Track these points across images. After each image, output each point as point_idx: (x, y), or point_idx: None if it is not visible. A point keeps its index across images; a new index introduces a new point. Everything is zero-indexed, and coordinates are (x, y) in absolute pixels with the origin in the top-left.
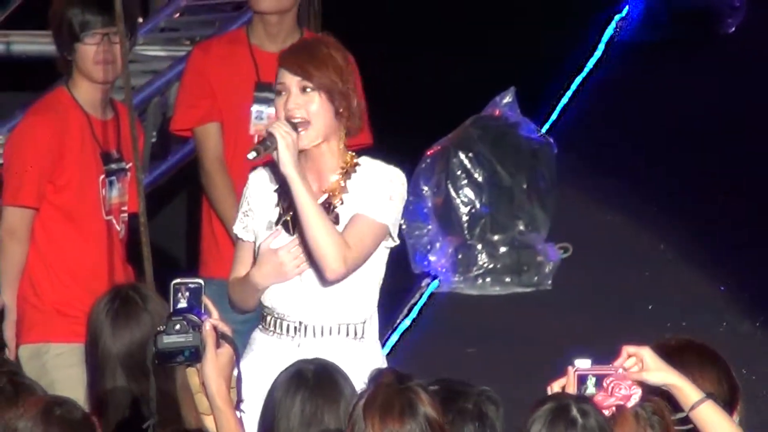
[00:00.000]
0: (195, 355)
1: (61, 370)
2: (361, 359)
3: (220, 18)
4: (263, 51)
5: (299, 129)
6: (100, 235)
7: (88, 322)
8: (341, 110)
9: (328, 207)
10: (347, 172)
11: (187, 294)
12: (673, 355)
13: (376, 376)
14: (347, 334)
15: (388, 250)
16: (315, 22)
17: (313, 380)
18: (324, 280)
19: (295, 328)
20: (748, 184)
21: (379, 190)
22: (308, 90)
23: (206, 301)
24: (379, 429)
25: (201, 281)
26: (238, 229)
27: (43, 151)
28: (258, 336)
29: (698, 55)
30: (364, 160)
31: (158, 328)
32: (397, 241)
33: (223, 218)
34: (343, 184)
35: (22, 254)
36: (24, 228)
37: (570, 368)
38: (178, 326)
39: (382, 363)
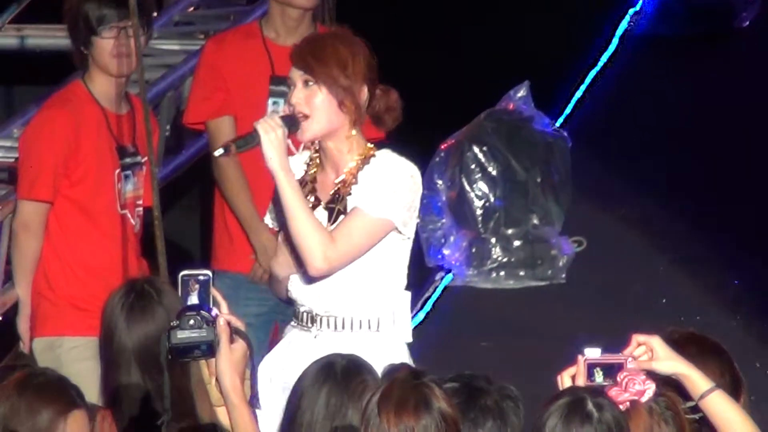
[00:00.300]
0: (209, 350)
1: (75, 363)
2: (377, 352)
3: (235, 11)
4: (277, 44)
5: (300, 122)
6: (115, 229)
7: (102, 315)
8: (345, 103)
9: (338, 198)
10: (361, 163)
11: (197, 286)
12: (675, 347)
13: (391, 372)
14: (360, 327)
15: (405, 243)
16: (330, 18)
17: (341, 374)
18: (308, 277)
19: (312, 319)
20: (763, 179)
21: (382, 184)
22: (310, 84)
23: (215, 292)
24: (394, 424)
25: (209, 272)
26: (268, 218)
27: (58, 144)
28: (288, 327)
29: (712, 48)
30: (381, 153)
31: (171, 323)
32: (409, 236)
33: (237, 211)
34: (353, 176)
35: (37, 248)
36: (38, 222)
37: (580, 357)
38: (192, 321)
39: (402, 357)
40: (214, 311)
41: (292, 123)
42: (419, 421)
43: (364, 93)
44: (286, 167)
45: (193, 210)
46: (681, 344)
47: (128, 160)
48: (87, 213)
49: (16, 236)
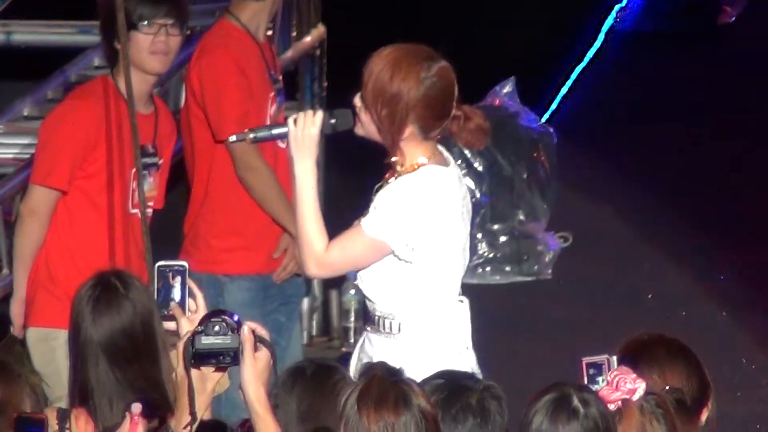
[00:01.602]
0: (233, 359)
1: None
2: (400, 355)
3: (219, 8)
4: (260, 41)
5: (354, 119)
6: (124, 227)
7: (71, 308)
8: (381, 134)
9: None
10: (399, 176)
11: (178, 278)
12: (642, 350)
13: (367, 371)
14: (383, 327)
15: (413, 266)
16: (315, 16)
17: (311, 376)
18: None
19: (372, 318)
20: (748, 175)
21: (388, 205)
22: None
23: (191, 283)
24: (374, 421)
25: (185, 263)
26: None
27: (80, 135)
28: None
29: (698, 45)
30: (417, 172)
31: (197, 328)
32: (409, 261)
33: (279, 210)
34: (383, 189)
35: (41, 234)
36: (47, 209)
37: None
38: (216, 327)
39: (426, 364)
40: (236, 317)
41: (342, 118)
42: (399, 418)
43: (406, 132)
44: (309, 168)
45: (180, 207)
46: (648, 346)
47: (147, 159)
48: (98, 208)
49: (21, 220)
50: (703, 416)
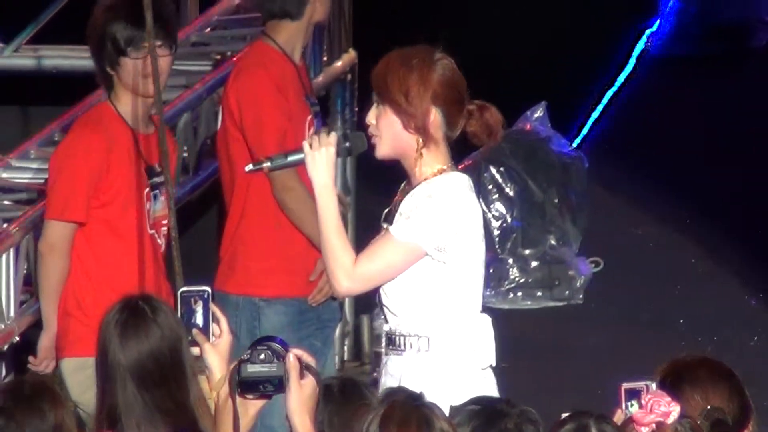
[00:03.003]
0: (278, 387)
1: None
2: (429, 374)
3: (251, 33)
4: (297, 63)
5: (367, 140)
6: (145, 249)
7: (98, 332)
8: (410, 126)
9: (390, 217)
10: (419, 184)
11: (200, 302)
12: (685, 370)
13: (389, 395)
14: (411, 347)
15: (446, 267)
16: (346, 41)
17: (339, 394)
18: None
19: (393, 339)
20: None
21: (412, 207)
22: (378, 104)
23: (214, 308)
24: None
25: (208, 288)
26: None
27: (93, 164)
28: None
29: (729, 68)
30: (439, 177)
31: (243, 356)
32: (445, 261)
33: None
34: (405, 196)
35: (64, 268)
36: (66, 243)
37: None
38: (262, 355)
39: (463, 383)
40: (286, 345)
41: (357, 140)
42: None
43: (432, 116)
44: (329, 187)
45: (210, 231)
46: (691, 367)
47: (156, 179)
48: (117, 233)
49: (42, 257)
50: None
